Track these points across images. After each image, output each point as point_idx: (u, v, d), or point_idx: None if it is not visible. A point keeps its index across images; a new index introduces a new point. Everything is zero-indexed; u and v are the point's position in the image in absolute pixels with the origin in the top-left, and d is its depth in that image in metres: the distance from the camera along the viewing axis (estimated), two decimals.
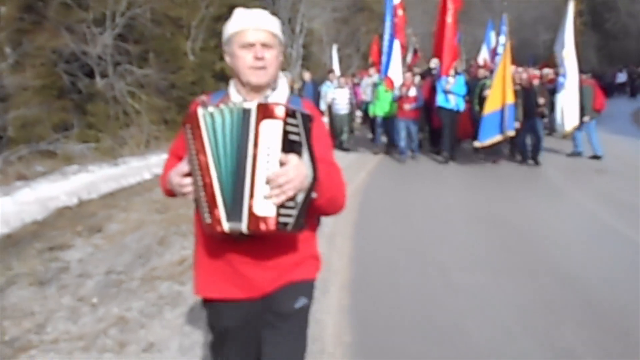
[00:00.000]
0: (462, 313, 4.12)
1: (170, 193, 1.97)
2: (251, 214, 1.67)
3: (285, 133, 1.65)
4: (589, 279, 4.75)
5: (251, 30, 1.84)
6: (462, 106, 10.54)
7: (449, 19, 11.16)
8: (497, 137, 9.89)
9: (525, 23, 36.35)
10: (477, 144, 10.13)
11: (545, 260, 5.28)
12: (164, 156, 12.54)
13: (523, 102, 10.07)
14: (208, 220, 1.74)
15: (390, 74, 11.79)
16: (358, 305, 4.34)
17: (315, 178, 1.73)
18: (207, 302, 2.03)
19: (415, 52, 15.90)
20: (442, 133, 10.96)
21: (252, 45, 1.84)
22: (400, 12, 11.91)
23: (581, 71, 10.97)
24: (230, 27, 1.89)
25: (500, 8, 22.71)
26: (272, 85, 1.93)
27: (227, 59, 1.94)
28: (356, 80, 15.36)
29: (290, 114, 1.65)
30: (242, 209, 1.68)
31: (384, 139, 12.44)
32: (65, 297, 4.63)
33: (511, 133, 9.86)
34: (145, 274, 5.15)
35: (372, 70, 13.88)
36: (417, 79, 11.72)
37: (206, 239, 1.93)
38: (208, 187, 1.73)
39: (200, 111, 1.71)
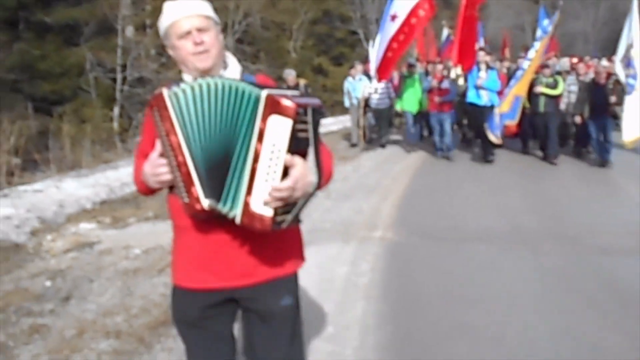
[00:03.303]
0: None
1: (147, 189, 1.89)
2: (247, 209, 1.58)
3: (294, 131, 1.53)
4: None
5: (183, 18, 1.78)
6: (496, 101, 9.50)
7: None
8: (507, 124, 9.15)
9: (620, 12, 31.03)
10: (495, 139, 9.21)
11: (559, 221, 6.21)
12: None
13: (591, 97, 9.44)
14: (186, 199, 1.68)
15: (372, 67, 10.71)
16: (405, 214, 7.00)
17: (319, 181, 1.64)
18: (179, 291, 1.92)
19: (450, 41, 14.21)
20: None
21: (188, 33, 1.78)
22: (421, 12, 9.80)
23: None
24: (163, 21, 1.83)
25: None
26: (220, 65, 1.87)
27: (171, 52, 1.87)
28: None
29: (300, 111, 1.53)
30: (236, 199, 1.61)
31: (412, 131, 11.64)
32: None
33: (512, 123, 9.20)
34: None
35: (414, 62, 12.28)
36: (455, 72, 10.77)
37: (185, 225, 1.83)
38: (182, 166, 1.66)
39: (165, 92, 1.67)
